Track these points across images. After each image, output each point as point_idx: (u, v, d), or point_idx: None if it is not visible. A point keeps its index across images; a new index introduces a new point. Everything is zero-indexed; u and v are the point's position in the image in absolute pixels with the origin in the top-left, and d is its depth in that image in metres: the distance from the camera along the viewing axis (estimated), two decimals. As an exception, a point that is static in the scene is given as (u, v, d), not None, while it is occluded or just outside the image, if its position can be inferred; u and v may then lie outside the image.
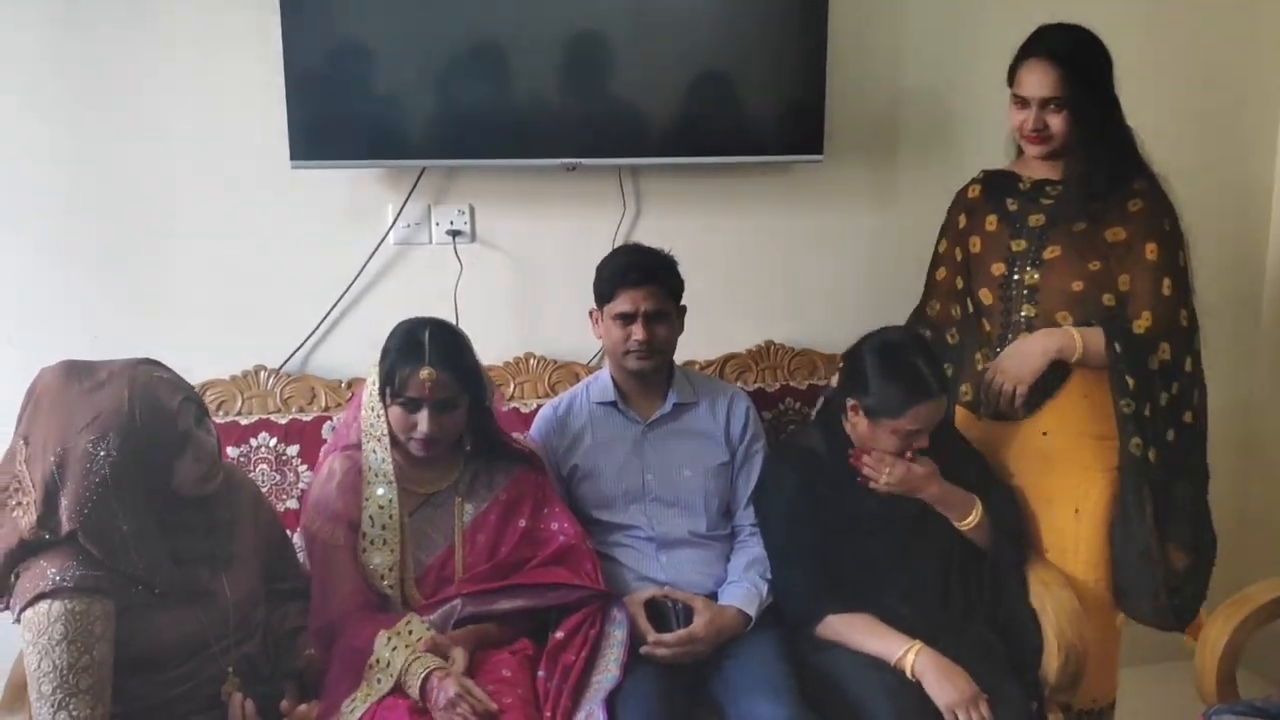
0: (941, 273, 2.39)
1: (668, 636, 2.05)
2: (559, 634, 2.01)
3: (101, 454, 1.64)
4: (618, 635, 2.02)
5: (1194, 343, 2.14)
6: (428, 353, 1.96)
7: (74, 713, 1.62)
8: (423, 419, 1.98)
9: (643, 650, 2.03)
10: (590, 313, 2.28)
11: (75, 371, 1.71)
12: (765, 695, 1.94)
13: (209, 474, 1.78)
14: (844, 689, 2.00)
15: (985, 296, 2.27)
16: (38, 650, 1.63)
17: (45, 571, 1.65)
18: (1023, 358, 2.14)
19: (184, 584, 1.74)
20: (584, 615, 2.04)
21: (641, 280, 2.18)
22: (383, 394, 2.00)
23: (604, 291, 2.22)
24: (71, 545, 1.66)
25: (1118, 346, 2.09)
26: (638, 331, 2.18)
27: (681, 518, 2.25)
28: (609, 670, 1.94)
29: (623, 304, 2.18)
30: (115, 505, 1.65)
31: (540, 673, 1.94)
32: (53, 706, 1.62)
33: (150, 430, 1.69)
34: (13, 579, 1.70)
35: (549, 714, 1.87)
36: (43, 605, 1.64)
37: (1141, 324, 2.09)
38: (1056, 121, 2.12)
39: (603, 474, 2.25)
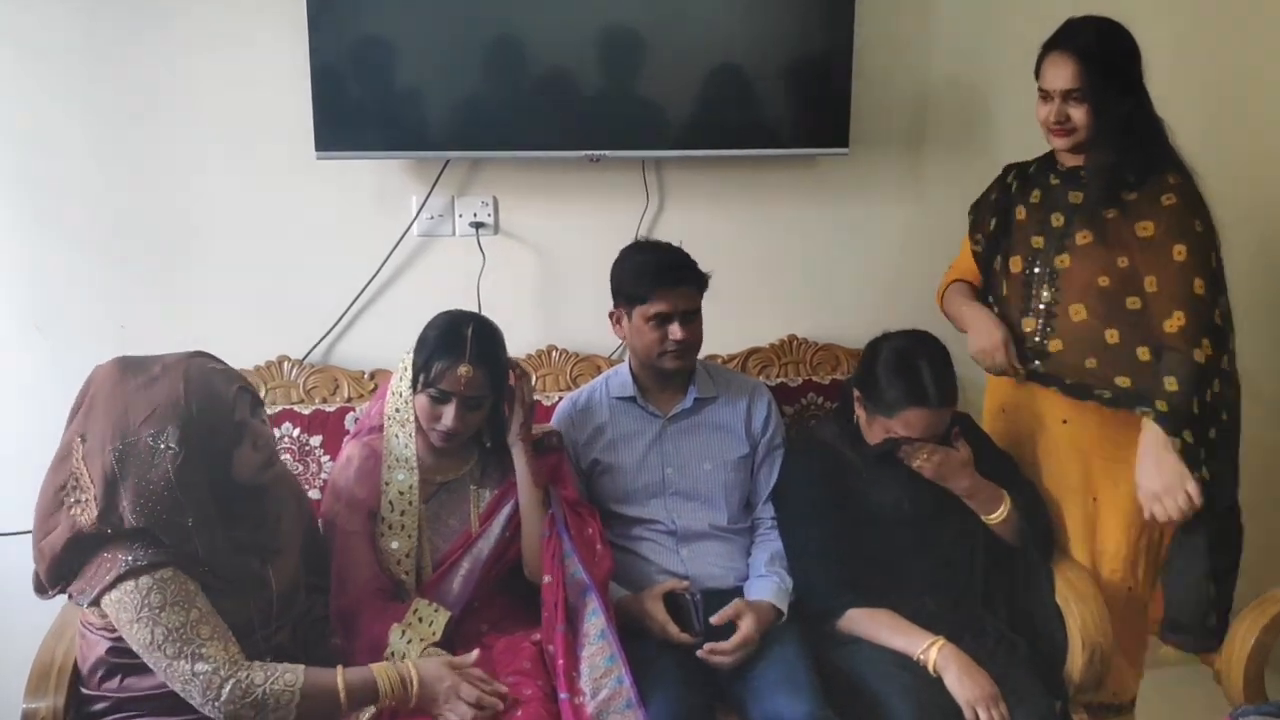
0: (979, 240, 2.37)
1: (724, 645, 2.02)
2: (547, 578, 1.99)
3: (161, 447, 1.65)
4: (594, 626, 1.96)
5: (1229, 341, 2.13)
6: (469, 350, 1.97)
7: (210, 659, 1.64)
8: (449, 413, 1.98)
9: (701, 655, 2.02)
10: (612, 314, 2.24)
11: (129, 367, 1.72)
12: (786, 692, 1.94)
13: (268, 462, 1.80)
14: (864, 686, 2.00)
15: (1015, 264, 2.26)
16: (144, 622, 1.65)
17: (116, 557, 1.66)
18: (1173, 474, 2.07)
19: (239, 572, 1.76)
20: (551, 545, 2.02)
21: (678, 280, 2.16)
22: (415, 381, 2.00)
23: (635, 293, 2.16)
24: (133, 533, 1.67)
25: (1175, 380, 2.04)
26: (676, 332, 2.15)
27: (702, 511, 2.24)
28: (606, 652, 1.92)
29: (660, 305, 2.14)
30: (178, 497, 1.66)
31: (562, 695, 1.90)
32: (187, 660, 1.64)
33: (207, 421, 1.70)
34: (75, 569, 1.71)
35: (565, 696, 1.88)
36: (128, 584, 1.65)
37: (1174, 324, 2.07)
38: (1078, 114, 2.11)
39: (623, 468, 2.25)
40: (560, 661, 1.91)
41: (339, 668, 1.73)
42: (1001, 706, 1.94)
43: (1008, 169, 2.37)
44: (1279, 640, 2.07)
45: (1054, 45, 2.14)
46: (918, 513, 2.15)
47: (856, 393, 2.19)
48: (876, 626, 2.08)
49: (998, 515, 2.14)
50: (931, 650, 2.00)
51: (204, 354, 1.80)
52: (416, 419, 2.01)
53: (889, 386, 2.09)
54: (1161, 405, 2.05)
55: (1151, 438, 2.05)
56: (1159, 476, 2.04)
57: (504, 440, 2.10)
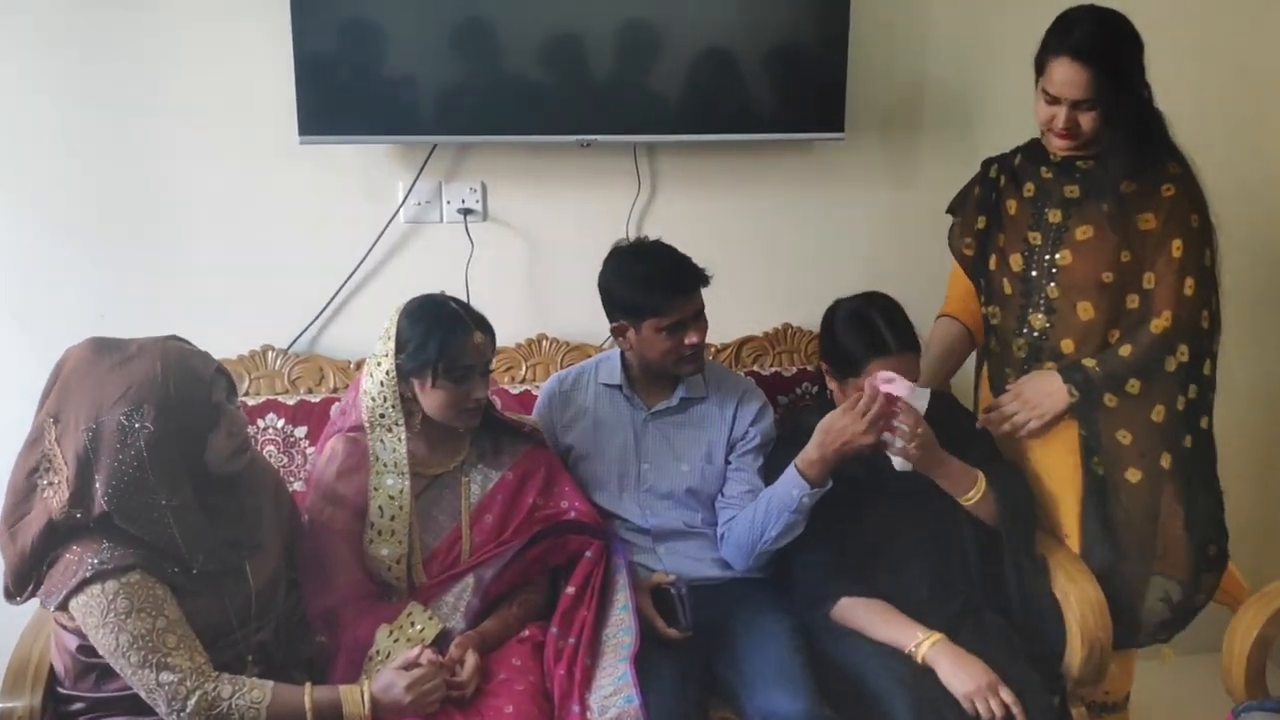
0: (969, 244, 2.33)
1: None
2: (570, 589, 2.01)
3: (136, 426, 1.61)
4: (620, 580, 2.04)
5: (1214, 345, 2.11)
6: (469, 318, 1.96)
7: (176, 669, 1.61)
8: (479, 386, 1.97)
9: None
10: (615, 327, 2.16)
11: (104, 347, 1.69)
12: (781, 687, 1.90)
13: (240, 449, 1.76)
14: (860, 679, 1.97)
15: (1015, 262, 2.21)
16: (110, 628, 1.61)
17: (82, 558, 1.62)
18: (1048, 396, 2.13)
19: (216, 564, 1.72)
20: (588, 566, 2.04)
21: (695, 285, 2.13)
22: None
23: (648, 305, 2.10)
24: (100, 530, 1.63)
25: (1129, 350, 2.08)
26: (693, 337, 2.12)
27: (675, 510, 2.22)
28: (624, 624, 1.95)
29: (679, 313, 2.10)
30: (152, 479, 1.63)
31: (553, 629, 1.94)
32: (152, 669, 1.61)
33: (184, 401, 1.66)
34: (43, 569, 1.67)
35: (563, 671, 1.87)
36: (94, 588, 1.61)
37: (1160, 324, 2.06)
38: (1088, 120, 2.05)
39: (599, 456, 2.22)
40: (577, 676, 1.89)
41: (307, 686, 1.71)
42: (1003, 692, 1.89)
43: (987, 163, 2.31)
44: (1280, 635, 2.05)
45: (1063, 48, 2.03)
46: (906, 493, 2.12)
47: (825, 366, 2.19)
48: (869, 617, 2.04)
49: (971, 496, 2.10)
50: (922, 645, 1.97)
51: (178, 337, 1.76)
52: (406, 419, 1.95)
53: (849, 346, 2.10)
54: (1090, 363, 2.09)
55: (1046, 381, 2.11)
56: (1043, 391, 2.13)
57: (494, 417, 2.07)
